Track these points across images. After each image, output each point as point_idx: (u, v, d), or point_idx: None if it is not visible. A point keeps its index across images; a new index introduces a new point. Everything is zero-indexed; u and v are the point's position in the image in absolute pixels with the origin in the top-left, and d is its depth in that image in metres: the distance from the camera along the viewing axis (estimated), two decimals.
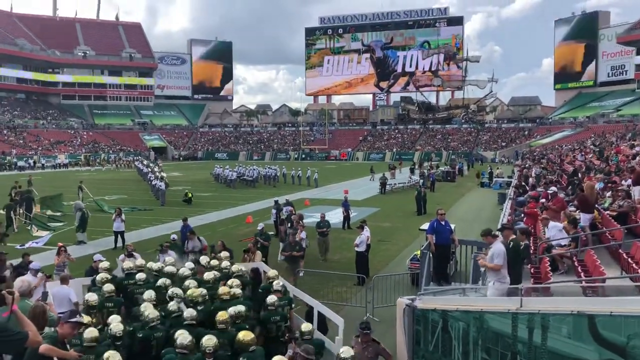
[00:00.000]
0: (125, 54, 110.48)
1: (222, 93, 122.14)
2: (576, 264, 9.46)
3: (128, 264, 9.54)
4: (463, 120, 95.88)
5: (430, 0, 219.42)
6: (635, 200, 12.35)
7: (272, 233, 18.93)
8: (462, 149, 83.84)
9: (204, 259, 10.15)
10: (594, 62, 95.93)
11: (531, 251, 10.51)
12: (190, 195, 30.71)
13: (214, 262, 9.74)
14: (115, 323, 6.25)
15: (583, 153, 36.40)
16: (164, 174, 36.44)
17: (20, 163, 65.59)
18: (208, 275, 8.63)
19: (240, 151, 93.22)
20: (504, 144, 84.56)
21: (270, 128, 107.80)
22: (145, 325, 6.71)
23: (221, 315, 6.70)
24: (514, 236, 9.17)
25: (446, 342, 7.03)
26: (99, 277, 8.66)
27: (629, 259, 8.40)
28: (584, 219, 11.56)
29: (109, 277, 8.58)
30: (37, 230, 21.16)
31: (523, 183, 25.69)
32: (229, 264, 9.46)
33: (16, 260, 11.95)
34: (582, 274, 8.70)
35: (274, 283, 8.37)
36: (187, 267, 9.25)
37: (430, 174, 40.80)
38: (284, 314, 7.75)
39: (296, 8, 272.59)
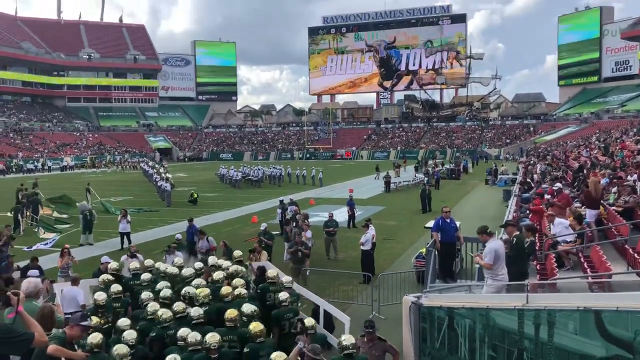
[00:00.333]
0: (130, 56, 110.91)
1: (226, 93, 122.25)
2: (582, 259, 9.45)
3: (134, 264, 9.59)
4: (467, 118, 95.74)
5: None
6: None
7: (277, 232, 18.99)
8: (466, 147, 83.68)
9: (212, 260, 10.18)
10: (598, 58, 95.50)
11: (537, 247, 10.49)
12: (195, 195, 30.79)
13: (221, 262, 9.75)
14: (129, 331, 6.21)
15: (588, 149, 36.26)
16: (169, 175, 36.53)
17: (30, 166, 65.86)
18: (218, 275, 8.65)
19: (245, 151, 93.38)
20: (508, 141, 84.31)
21: (274, 128, 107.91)
22: (158, 324, 6.75)
23: (230, 313, 6.74)
24: (517, 232, 9.16)
25: (452, 339, 7.02)
26: (100, 278, 8.69)
27: (635, 255, 8.38)
28: (589, 214, 11.53)
29: (111, 278, 8.60)
30: (44, 233, 21.21)
31: (528, 180, 25.63)
32: (230, 263, 9.48)
33: (24, 262, 12.01)
34: (588, 270, 8.68)
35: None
36: (191, 268, 9.28)
37: (435, 172, 40.73)
38: (295, 309, 7.83)
39: (299, 8, 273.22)
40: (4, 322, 4.71)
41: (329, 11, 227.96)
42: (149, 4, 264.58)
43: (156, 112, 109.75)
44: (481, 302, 6.86)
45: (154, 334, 6.65)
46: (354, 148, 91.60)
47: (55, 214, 24.98)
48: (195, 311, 6.90)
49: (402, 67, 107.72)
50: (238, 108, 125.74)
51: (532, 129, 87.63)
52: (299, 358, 5.98)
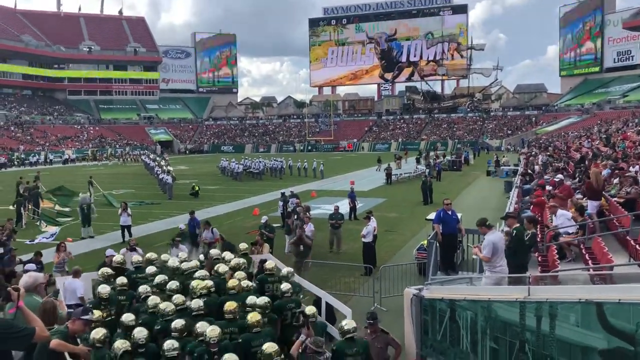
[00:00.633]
0: (130, 48, 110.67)
1: (226, 86, 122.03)
2: (584, 251, 9.43)
3: (137, 257, 9.61)
4: (468, 109, 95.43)
5: None
6: None
7: (279, 225, 18.99)
8: (467, 138, 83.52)
9: (214, 252, 10.19)
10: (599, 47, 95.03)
11: (538, 239, 10.48)
12: (197, 188, 30.80)
13: (224, 255, 9.75)
14: (139, 328, 6.07)
15: (589, 140, 36.17)
16: (170, 168, 36.53)
17: (33, 159, 65.95)
18: (223, 268, 8.65)
19: (246, 144, 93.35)
20: (509, 132, 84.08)
21: (275, 120, 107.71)
22: (161, 317, 6.76)
23: (229, 305, 6.77)
24: (517, 224, 9.15)
25: (454, 331, 7.03)
26: (100, 271, 8.66)
27: (637, 246, 8.37)
28: (591, 206, 11.50)
29: (111, 271, 8.60)
30: (46, 226, 21.24)
31: (529, 171, 25.58)
32: (232, 256, 9.48)
33: (27, 255, 12.03)
34: (589, 262, 8.67)
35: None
36: (196, 261, 9.30)
37: (436, 164, 40.69)
38: (297, 300, 7.85)
39: None
40: (5, 318, 4.72)
41: (329, 2, 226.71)
42: None
43: (157, 105, 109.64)
44: (483, 295, 6.86)
45: (158, 327, 6.66)
46: (355, 140, 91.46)
47: (57, 207, 24.99)
48: (196, 303, 6.92)
49: (403, 59, 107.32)
50: (239, 100, 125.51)
51: (533, 119, 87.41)
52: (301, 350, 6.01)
